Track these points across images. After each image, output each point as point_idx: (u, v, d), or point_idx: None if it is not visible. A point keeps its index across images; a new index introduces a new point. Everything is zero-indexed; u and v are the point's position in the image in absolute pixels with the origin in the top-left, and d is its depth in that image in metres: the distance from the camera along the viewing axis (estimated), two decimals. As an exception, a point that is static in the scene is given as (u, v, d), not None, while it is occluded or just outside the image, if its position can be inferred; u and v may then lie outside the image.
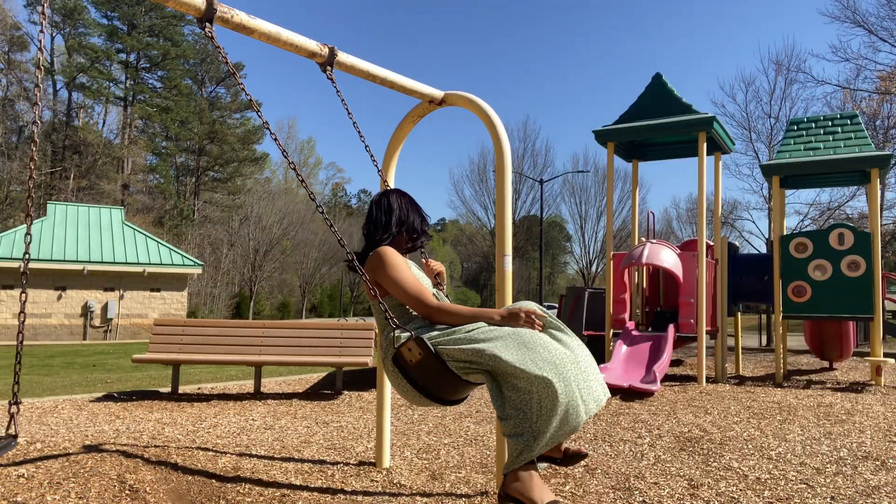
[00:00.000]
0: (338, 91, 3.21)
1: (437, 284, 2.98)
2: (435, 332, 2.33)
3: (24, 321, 2.51)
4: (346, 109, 3.23)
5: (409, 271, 2.49)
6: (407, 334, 2.33)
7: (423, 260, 3.01)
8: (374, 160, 3.40)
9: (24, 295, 2.52)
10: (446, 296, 2.90)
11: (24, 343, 18.53)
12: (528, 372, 2.13)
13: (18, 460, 3.85)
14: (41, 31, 2.47)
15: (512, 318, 2.31)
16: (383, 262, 2.48)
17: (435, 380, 2.28)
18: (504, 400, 2.24)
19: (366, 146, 3.29)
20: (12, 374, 9.60)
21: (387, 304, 2.49)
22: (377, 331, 2.66)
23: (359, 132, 3.28)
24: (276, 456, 4.21)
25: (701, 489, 3.56)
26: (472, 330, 2.28)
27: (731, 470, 3.96)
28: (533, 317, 2.30)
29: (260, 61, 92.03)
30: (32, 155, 2.50)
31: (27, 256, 2.55)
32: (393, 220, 2.73)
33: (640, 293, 9.34)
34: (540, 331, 2.29)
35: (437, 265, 3.02)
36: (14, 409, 2.44)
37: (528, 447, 2.16)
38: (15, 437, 2.40)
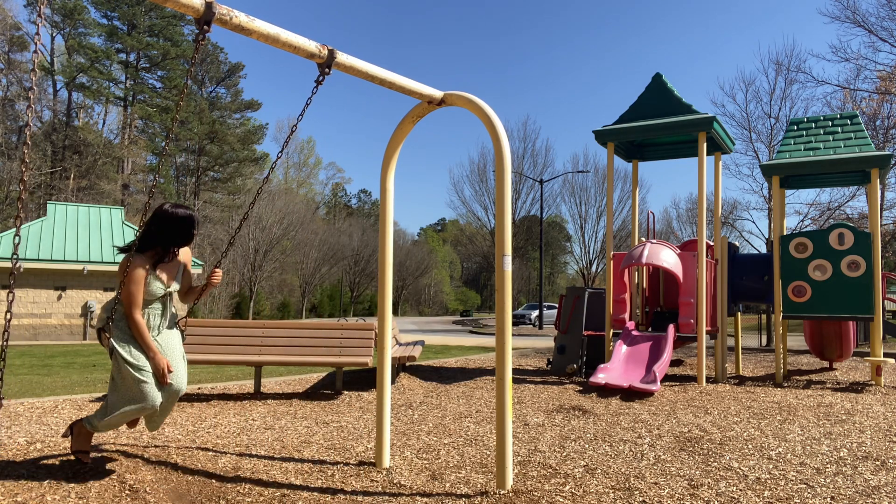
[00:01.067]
0: (312, 94, 3.35)
1: (189, 286, 3.90)
2: (119, 337, 3.48)
3: (10, 319, 2.56)
4: (304, 109, 3.43)
5: (134, 283, 3.47)
6: (110, 325, 3.48)
7: (213, 272, 3.82)
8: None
9: (10, 295, 2.59)
10: (196, 289, 3.89)
11: (25, 343, 18.53)
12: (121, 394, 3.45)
13: (18, 460, 3.85)
14: (37, 33, 2.46)
15: (157, 366, 3.46)
16: (121, 267, 3.51)
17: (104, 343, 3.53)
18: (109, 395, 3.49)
19: (293, 128, 3.58)
20: (10, 374, 9.59)
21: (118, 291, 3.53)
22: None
23: (296, 125, 3.51)
24: (276, 456, 4.21)
25: (701, 489, 3.56)
26: (134, 353, 3.46)
27: (731, 470, 3.96)
28: (164, 376, 3.48)
29: (260, 61, 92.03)
30: (24, 157, 2.51)
31: (15, 256, 2.60)
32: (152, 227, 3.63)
33: (640, 293, 9.34)
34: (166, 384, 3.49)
35: (214, 280, 3.88)
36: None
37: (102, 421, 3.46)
38: None
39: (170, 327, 3.71)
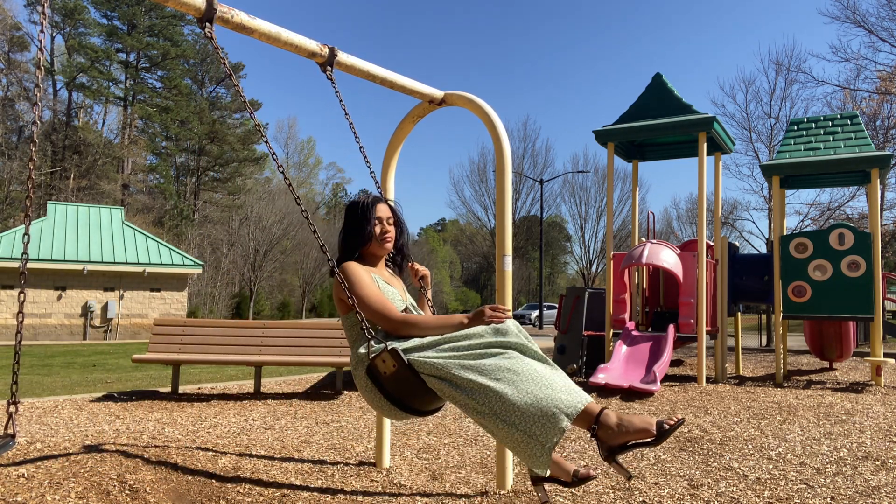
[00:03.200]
0: (336, 91, 3.19)
1: (421, 289, 2.91)
2: (408, 344, 2.30)
3: (22, 321, 2.50)
4: (344, 111, 3.14)
5: (369, 286, 2.46)
6: (381, 346, 2.28)
7: (409, 264, 2.91)
8: (368, 163, 3.20)
9: (22, 295, 2.51)
10: (430, 301, 2.89)
11: (25, 343, 18.52)
12: (487, 386, 2.14)
13: (18, 460, 3.85)
14: (41, 31, 2.46)
15: (477, 319, 2.31)
16: (343, 279, 2.47)
17: (408, 391, 2.24)
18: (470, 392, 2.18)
19: (360, 147, 3.14)
20: (11, 374, 9.61)
21: (350, 321, 2.48)
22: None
23: (354, 134, 3.16)
24: (276, 456, 4.21)
25: (701, 489, 3.56)
26: (444, 341, 2.28)
27: (731, 470, 3.96)
28: (498, 312, 2.30)
29: (260, 61, 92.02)
30: (32, 155, 2.50)
31: (25, 256, 2.52)
32: (354, 230, 2.68)
33: (640, 293, 9.34)
34: (505, 320, 2.29)
35: (422, 269, 2.93)
36: (13, 408, 2.42)
37: (539, 443, 2.10)
38: (13, 436, 2.40)
39: None
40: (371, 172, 3.33)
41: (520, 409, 2.07)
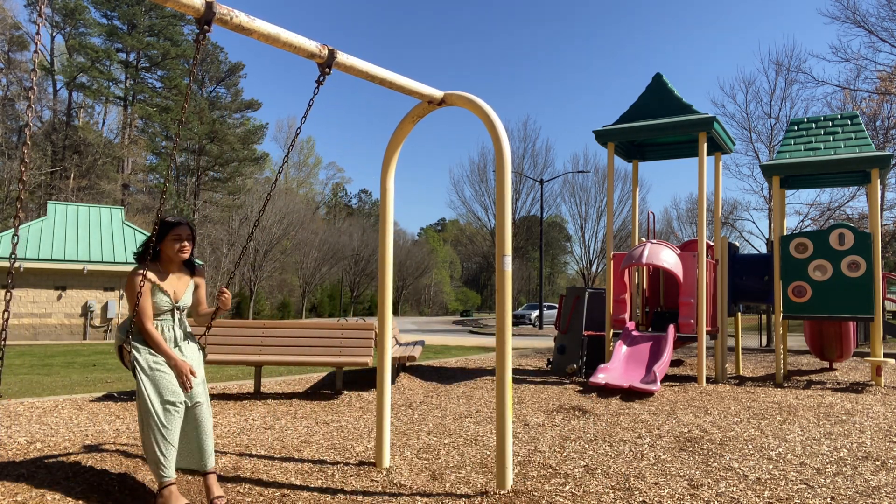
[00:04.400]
0: (311, 100, 3.34)
1: (216, 306, 3.68)
2: (144, 355, 3.31)
3: (7, 318, 2.55)
4: (305, 113, 3.42)
5: (142, 295, 3.34)
6: (127, 340, 3.32)
7: (220, 289, 3.63)
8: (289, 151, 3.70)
9: (9, 294, 2.57)
10: (208, 313, 3.69)
11: (25, 343, 18.52)
12: (144, 417, 3.22)
13: (18, 460, 3.85)
14: (38, 33, 2.46)
15: (178, 370, 3.32)
16: (128, 282, 3.37)
17: (130, 369, 3.33)
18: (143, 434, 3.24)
19: (297, 130, 3.49)
20: (11, 374, 9.58)
21: (130, 306, 3.39)
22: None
23: (299, 128, 3.48)
24: (276, 456, 4.21)
25: (701, 489, 3.56)
26: (153, 360, 3.32)
27: (732, 470, 3.96)
28: (186, 381, 3.32)
29: (260, 61, 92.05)
30: (24, 157, 2.51)
31: (13, 256, 2.59)
32: (160, 239, 3.52)
33: (640, 293, 9.34)
34: (188, 389, 3.33)
35: (224, 297, 3.64)
36: None
37: (158, 465, 3.17)
38: None
39: (188, 343, 3.55)
40: (285, 159, 3.70)
41: (147, 445, 3.19)
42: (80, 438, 4.52)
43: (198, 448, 3.35)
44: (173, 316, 3.50)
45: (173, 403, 3.23)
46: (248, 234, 38.18)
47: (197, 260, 3.79)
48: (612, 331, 8.62)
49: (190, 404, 3.34)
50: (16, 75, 39.90)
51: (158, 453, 3.14)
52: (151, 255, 3.48)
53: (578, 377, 8.53)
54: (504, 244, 3.63)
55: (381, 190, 4.22)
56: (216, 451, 4.25)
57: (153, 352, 3.34)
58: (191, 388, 3.33)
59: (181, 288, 3.56)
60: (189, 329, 3.61)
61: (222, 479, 3.66)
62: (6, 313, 2.59)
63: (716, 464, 4.10)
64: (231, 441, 4.62)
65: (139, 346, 3.33)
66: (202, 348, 3.67)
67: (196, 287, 3.67)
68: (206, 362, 6.98)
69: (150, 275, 3.43)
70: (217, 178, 52.00)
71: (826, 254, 8.16)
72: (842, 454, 4.39)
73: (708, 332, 8.38)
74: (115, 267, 21.09)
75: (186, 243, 3.52)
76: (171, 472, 3.15)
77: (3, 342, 2.58)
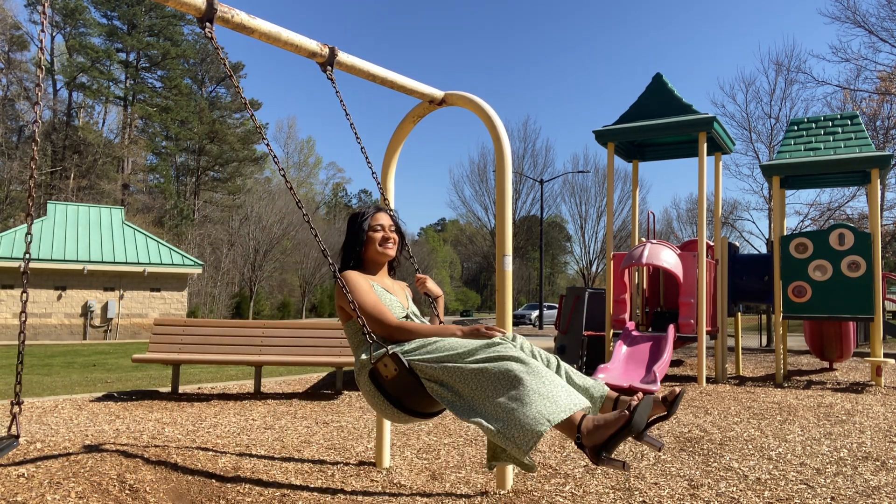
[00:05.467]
0: (337, 92, 3.20)
1: (433, 307, 2.97)
2: (408, 348, 2.33)
3: (25, 321, 2.51)
4: (345, 111, 3.22)
5: (367, 293, 2.50)
6: (383, 350, 2.31)
7: (417, 276, 2.95)
8: (370, 165, 3.29)
9: (24, 295, 2.52)
10: (433, 317, 2.91)
11: (25, 343, 18.51)
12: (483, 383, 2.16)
13: (18, 460, 3.85)
14: (42, 31, 2.46)
15: (473, 334, 2.35)
16: (341, 287, 2.52)
17: (410, 394, 2.28)
18: (475, 406, 2.18)
19: (362, 147, 3.25)
20: (13, 374, 9.57)
21: (352, 328, 2.53)
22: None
23: (355, 133, 3.22)
24: (276, 456, 4.21)
25: (701, 489, 3.56)
26: (442, 348, 2.29)
27: (732, 470, 3.96)
28: (493, 330, 2.35)
29: (260, 61, 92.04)
30: (33, 154, 2.50)
31: (27, 256, 2.53)
32: (355, 238, 2.75)
33: (640, 293, 9.34)
34: (500, 338, 2.30)
35: (434, 288, 2.94)
36: (16, 409, 2.44)
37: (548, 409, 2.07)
38: (17, 437, 2.41)
39: None
40: (373, 174, 3.39)
41: (505, 416, 2.08)
42: (80, 438, 4.51)
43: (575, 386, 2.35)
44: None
45: (505, 354, 2.17)
46: (248, 234, 38.26)
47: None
48: (612, 331, 8.62)
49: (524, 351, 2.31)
50: (16, 75, 39.90)
51: (540, 402, 2.06)
52: (348, 262, 2.75)
53: (578, 377, 8.52)
54: (504, 244, 3.62)
55: (381, 189, 4.21)
56: (216, 452, 4.25)
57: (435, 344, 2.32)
58: (502, 331, 2.38)
59: (402, 294, 2.81)
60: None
61: (222, 479, 3.66)
62: (23, 314, 2.54)
63: (716, 464, 4.10)
64: (231, 441, 4.62)
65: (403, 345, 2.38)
66: None
67: (413, 298, 2.93)
68: (206, 362, 7.00)
69: (366, 276, 2.65)
70: (217, 178, 51.99)
71: (826, 254, 8.16)
72: (842, 454, 4.39)
73: (708, 332, 8.38)
74: (115, 267, 21.09)
75: (390, 234, 2.74)
76: (576, 402, 2.10)
77: (21, 347, 2.56)
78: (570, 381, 2.34)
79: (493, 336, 2.31)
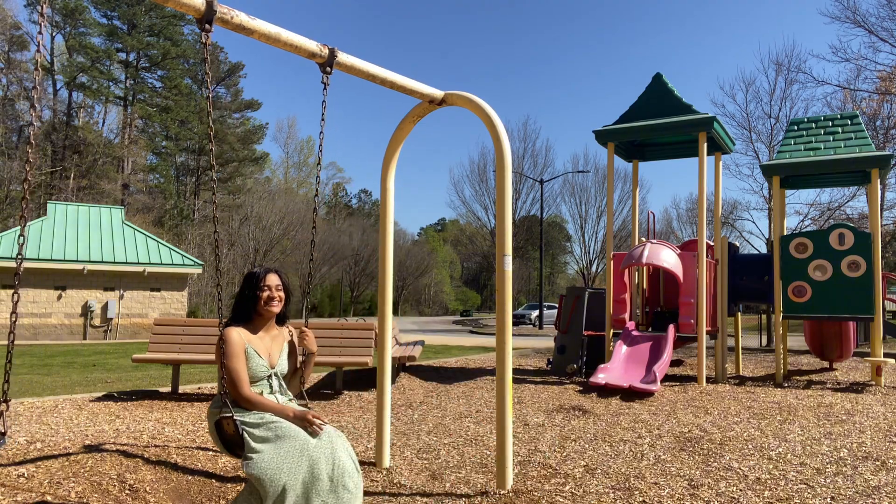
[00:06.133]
0: (324, 101, 3.28)
1: (302, 364, 3.23)
2: (248, 420, 2.80)
3: (15, 321, 2.54)
4: (322, 116, 3.32)
5: (234, 357, 2.88)
6: (230, 414, 2.78)
7: (304, 332, 3.17)
8: (320, 154, 3.50)
9: (16, 295, 2.55)
10: (303, 381, 3.21)
11: (25, 343, 18.52)
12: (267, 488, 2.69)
13: (18, 460, 3.85)
14: (40, 33, 2.46)
15: (299, 420, 2.82)
16: (218, 344, 2.89)
17: (238, 448, 2.79)
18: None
19: (320, 146, 3.35)
20: (3, 373, 9.59)
21: (220, 375, 2.90)
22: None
23: (321, 132, 3.35)
24: (276, 456, 4.20)
25: (701, 489, 3.56)
26: (268, 427, 2.79)
27: (731, 470, 3.96)
28: (314, 425, 2.81)
29: (260, 61, 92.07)
30: (28, 157, 2.50)
31: (20, 258, 2.58)
32: (241, 294, 3.06)
33: (640, 293, 9.34)
34: (319, 431, 2.82)
35: (309, 345, 3.19)
36: (3, 406, 2.46)
37: None
38: (3, 434, 2.43)
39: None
40: (318, 162, 3.46)
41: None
42: (80, 438, 4.51)
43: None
44: (271, 383, 2.99)
45: (293, 485, 2.69)
46: (248, 234, 38.24)
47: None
48: (612, 331, 8.62)
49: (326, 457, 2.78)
50: (16, 75, 39.90)
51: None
52: (238, 315, 3.02)
53: (578, 377, 8.53)
54: (504, 244, 3.63)
55: (381, 190, 4.22)
56: (216, 452, 4.24)
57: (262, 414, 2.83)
58: (321, 427, 2.82)
59: (276, 349, 3.07)
60: (291, 397, 3.10)
61: (222, 479, 3.66)
62: (14, 315, 2.58)
63: (716, 464, 4.10)
64: (231, 441, 4.62)
65: (244, 410, 2.84)
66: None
67: (291, 350, 3.18)
68: (207, 362, 6.99)
69: (243, 332, 2.96)
70: (217, 178, 51.95)
71: (826, 254, 8.16)
72: (842, 454, 4.39)
73: (708, 332, 8.38)
74: (115, 267, 21.09)
75: (276, 293, 3.03)
76: None
77: (10, 346, 2.57)
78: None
79: (314, 424, 2.81)
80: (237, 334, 2.91)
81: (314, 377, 8.55)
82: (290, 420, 2.82)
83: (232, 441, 2.79)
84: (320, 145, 3.37)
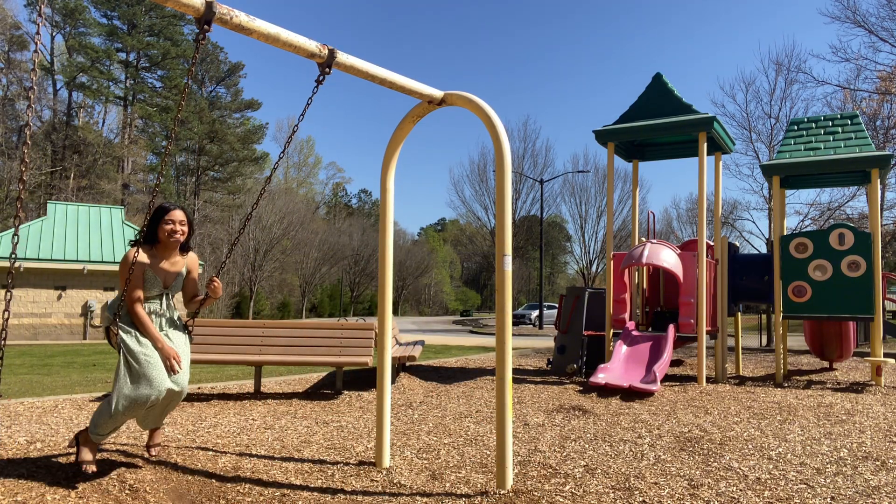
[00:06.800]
0: (312, 94, 3.32)
1: (205, 294, 3.73)
2: (128, 334, 3.46)
3: (7, 318, 2.57)
4: (302, 113, 3.38)
5: (125, 275, 3.45)
6: (115, 322, 3.47)
7: (211, 278, 3.61)
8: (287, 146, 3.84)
9: (9, 294, 2.58)
10: (199, 299, 3.77)
11: (25, 343, 18.52)
12: (120, 389, 3.38)
13: (18, 460, 3.85)
14: (38, 33, 2.46)
15: (162, 352, 3.47)
16: (121, 262, 3.52)
17: (114, 345, 3.50)
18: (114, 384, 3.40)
19: (287, 142, 3.67)
20: (10, 374, 9.58)
21: (119, 287, 3.55)
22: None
23: (296, 125, 3.53)
24: (276, 456, 4.21)
25: (701, 489, 3.56)
26: (139, 345, 3.45)
27: (731, 470, 3.96)
28: (174, 363, 3.48)
29: (260, 61, 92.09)
30: (24, 157, 2.51)
31: (13, 256, 2.62)
32: (151, 222, 3.62)
33: (640, 293, 9.34)
34: (175, 372, 3.48)
35: (212, 289, 3.64)
36: None
37: (98, 430, 3.47)
38: None
39: (174, 327, 3.71)
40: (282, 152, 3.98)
41: (102, 411, 3.43)
42: (80, 438, 4.51)
43: (159, 415, 3.67)
44: (162, 300, 3.63)
45: (146, 398, 3.36)
46: (248, 233, 38.21)
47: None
48: (612, 331, 8.62)
49: (176, 389, 3.47)
50: (16, 75, 39.90)
51: (105, 426, 3.42)
52: (145, 238, 3.59)
53: (578, 377, 8.53)
54: (504, 244, 3.62)
55: (381, 190, 4.22)
56: (216, 452, 4.25)
57: (141, 336, 3.46)
58: (176, 372, 3.46)
59: (172, 272, 3.66)
60: (178, 314, 3.74)
61: (222, 478, 3.66)
62: (6, 313, 2.60)
63: (716, 464, 4.10)
64: (231, 441, 4.62)
65: (127, 327, 3.46)
66: (189, 334, 3.78)
67: (188, 272, 3.77)
68: (206, 362, 6.99)
69: (142, 256, 3.53)
70: (217, 178, 51.98)
71: (826, 254, 8.16)
72: (842, 454, 4.39)
73: (708, 332, 8.38)
74: (115, 267, 21.07)
75: (179, 227, 3.60)
76: (103, 439, 3.51)
77: (3, 342, 2.58)
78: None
79: (172, 366, 3.45)
80: (133, 254, 3.47)
81: (314, 377, 8.55)
82: (157, 349, 3.45)
83: (111, 340, 3.52)
84: (289, 138, 3.62)
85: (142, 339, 3.45)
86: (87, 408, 6.09)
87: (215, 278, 3.63)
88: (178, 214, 3.62)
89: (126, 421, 3.50)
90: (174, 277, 3.67)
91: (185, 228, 3.64)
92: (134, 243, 3.51)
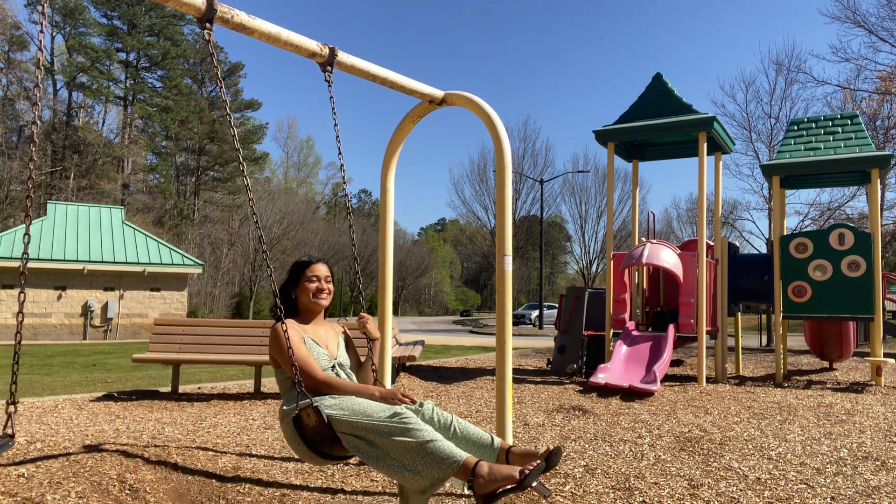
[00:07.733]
0: (331, 97, 3.24)
1: (369, 349, 3.09)
2: (328, 402, 2.54)
3: (22, 321, 2.51)
4: (334, 117, 3.29)
5: (297, 346, 2.67)
6: (307, 401, 2.51)
7: (364, 317, 3.02)
8: (342, 169, 3.34)
9: (22, 295, 2.52)
10: (374, 365, 3.06)
11: (25, 343, 18.51)
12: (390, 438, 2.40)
13: (18, 460, 3.85)
14: (41, 31, 2.46)
15: (388, 398, 2.57)
16: (271, 340, 2.72)
17: (325, 442, 2.52)
18: (392, 458, 2.43)
19: (339, 151, 3.32)
20: (10, 374, 9.60)
21: (281, 376, 2.73)
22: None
23: (337, 137, 3.30)
24: (276, 456, 4.21)
25: (701, 489, 3.56)
26: (356, 410, 2.50)
27: (731, 470, 3.96)
28: (406, 399, 2.59)
29: (260, 61, 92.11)
30: (32, 155, 2.50)
31: (26, 256, 2.55)
32: (287, 285, 2.92)
33: (640, 293, 9.33)
34: (407, 406, 2.52)
35: (373, 331, 3.03)
36: (11, 408, 2.45)
37: (437, 458, 2.39)
38: (12, 436, 2.42)
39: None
40: (342, 177, 3.45)
41: (413, 459, 2.40)
42: (80, 438, 4.51)
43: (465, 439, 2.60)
44: (337, 375, 2.79)
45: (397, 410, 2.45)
46: (248, 234, 38.24)
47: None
48: (612, 331, 8.62)
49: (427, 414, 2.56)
50: (16, 75, 39.90)
51: (427, 448, 2.36)
52: (285, 308, 2.83)
53: (578, 377, 8.52)
54: (504, 244, 3.62)
55: (381, 190, 4.22)
56: (216, 452, 4.25)
57: (345, 403, 2.54)
58: (414, 402, 2.59)
59: (333, 342, 2.93)
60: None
61: (222, 478, 3.66)
62: (20, 315, 2.55)
63: (716, 464, 4.10)
64: (231, 441, 4.62)
65: (329, 402, 2.54)
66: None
67: (347, 342, 3.05)
68: (206, 362, 6.99)
69: (295, 324, 2.80)
70: (217, 178, 51.98)
71: (826, 254, 8.16)
72: (842, 454, 4.39)
73: (708, 332, 8.38)
74: (115, 267, 21.08)
75: (326, 286, 2.89)
76: (459, 453, 2.38)
77: (17, 345, 2.56)
78: (465, 435, 2.60)
79: (404, 402, 2.56)
80: (291, 324, 2.74)
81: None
82: (375, 400, 2.54)
83: (317, 433, 2.46)
84: (339, 148, 3.33)
85: (352, 405, 2.50)
86: (87, 408, 6.09)
87: (363, 314, 3.02)
88: (321, 269, 2.90)
89: (428, 427, 2.46)
90: (336, 346, 2.93)
91: (331, 287, 2.92)
92: (276, 318, 2.68)
